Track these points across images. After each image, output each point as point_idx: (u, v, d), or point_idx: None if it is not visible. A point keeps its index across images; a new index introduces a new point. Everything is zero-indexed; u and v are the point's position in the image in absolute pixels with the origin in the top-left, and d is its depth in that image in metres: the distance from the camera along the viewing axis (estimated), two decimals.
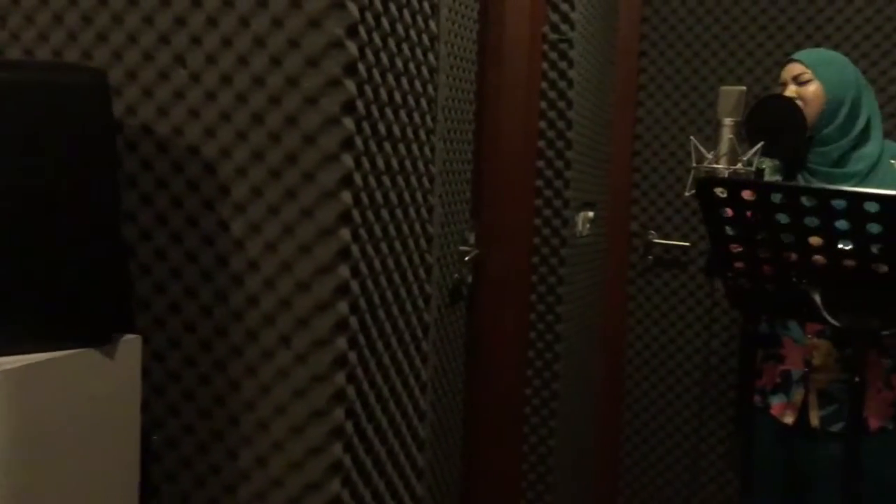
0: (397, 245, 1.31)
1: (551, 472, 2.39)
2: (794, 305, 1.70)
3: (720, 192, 1.61)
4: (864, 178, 2.04)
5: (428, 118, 1.40)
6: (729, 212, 1.61)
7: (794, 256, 1.61)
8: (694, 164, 1.90)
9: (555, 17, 2.28)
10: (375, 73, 1.19)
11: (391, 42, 1.24)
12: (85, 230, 0.98)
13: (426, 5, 1.36)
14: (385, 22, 1.21)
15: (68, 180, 0.96)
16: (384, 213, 1.25)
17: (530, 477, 2.39)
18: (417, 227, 1.39)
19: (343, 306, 1.11)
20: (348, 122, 1.09)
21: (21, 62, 1.18)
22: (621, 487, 3.08)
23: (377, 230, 1.23)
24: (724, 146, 1.88)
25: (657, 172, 2.97)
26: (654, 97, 2.96)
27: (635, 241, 3.01)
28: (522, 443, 2.38)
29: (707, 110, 2.86)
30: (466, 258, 2.15)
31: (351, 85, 1.09)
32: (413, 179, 1.36)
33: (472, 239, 2.19)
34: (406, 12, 1.28)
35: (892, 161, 2.06)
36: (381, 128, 1.22)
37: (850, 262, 1.55)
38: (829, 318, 1.59)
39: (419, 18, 1.34)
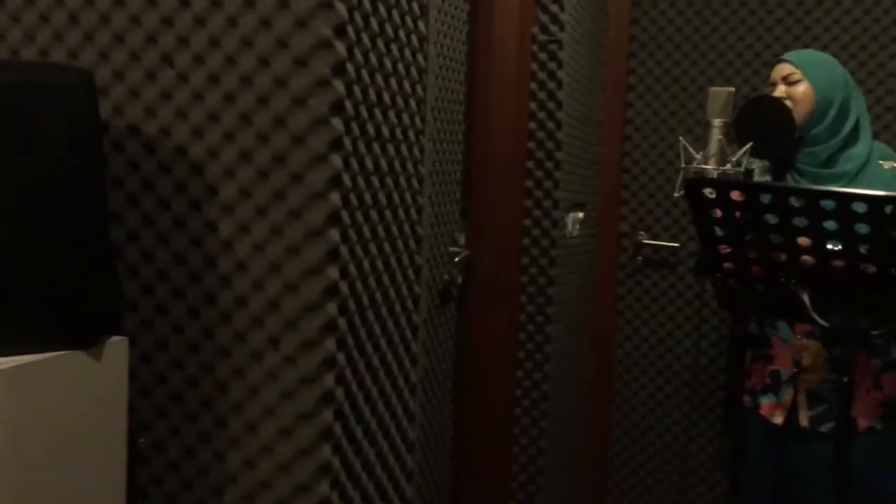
0: (386, 246, 1.31)
1: (542, 472, 2.39)
2: (782, 306, 1.70)
3: (709, 192, 1.61)
4: (852, 179, 2.05)
5: (417, 119, 1.40)
6: (718, 212, 1.62)
7: (782, 257, 1.61)
8: (683, 165, 1.90)
9: (544, 19, 2.28)
10: (364, 73, 1.18)
11: (380, 42, 1.23)
12: (71, 231, 0.97)
13: (415, 6, 1.36)
14: (374, 22, 1.20)
15: (54, 181, 0.96)
16: (373, 214, 1.25)
17: (521, 478, 2.39)
18: (406, 228, 1.39)
19: (332, 308, 1.11)
20: (337, 123, 1.09)
21: (6, 62, 1.17)
22: (611, 488, 3.08)
23: (366, 231, 1.23)
24: (713, 147, 1.88)
25: (647, 173, 2.98)
26: (644, 98, 2.97)
27: (625, 241, 3.01)
28: (513, 444, 2.38)
29: (696, 111, 2.87)
30: (456, 259, 2.15)
31: (339, 85, 1.08)
32: (402, 180, 1.36)
33: (461, 240, 2.19)
34: (395, 13, 1.28)
35: (881, 162, 2.07)
36: (370, 128, 1.22)
37: (838, 263, 1.56)
38: (817, 318, 1.60)
39: (408, 19, 1.34)
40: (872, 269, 1.53)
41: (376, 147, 1.25)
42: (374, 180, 1.25)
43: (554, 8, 2.27)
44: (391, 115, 1.30)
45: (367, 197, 1.22)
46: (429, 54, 1.43)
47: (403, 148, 1.36)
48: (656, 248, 2.99)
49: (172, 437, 1.19)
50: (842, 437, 1.65)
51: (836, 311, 1.59)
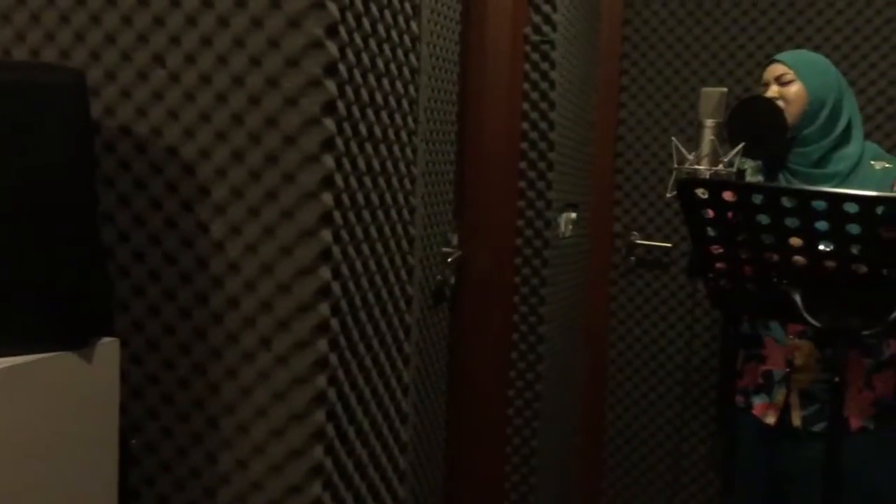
0: (379, 247, 1.31)
1: (535, 472, 2.39)
2: (775, 306, 1.71)
3: (701, 193, 1.61)
4: (844, 179, 2.05)
5: (409, 119, 1.40)
6: (710, 213, 1.62)
7: (774, 257, 1.61)
8: (675, 166, 1.91)
9: (537, 19, 2.28)
10: (356, 73, 1.18)
11: (372, 43, 1.23)
12: (62, 232, 0.97)
13: (408, 6, 1.36)
14: (366, 22, 1.20)
15: (45, 181, 0.95)
16: (365, 215, 1.25)
17: (514, 478, 2.39)
18: (399, 228, 1.39)
19: (324, 308, 1.11)
20: (329, 123, 1.08)
21: None
22: (604, 488, 3.09)
23: (358, 232, 1.22)
24: (705, 147, 1.89)
25: (639, 174, 2.98)
26: (637, 98, 2.97)
27: (618, 242, 3.02)
28: (506, 444, 2.38)
29: (689, 112, 2.88)
30: (449, 259, 2.15)
31: (331, 85, 1.08)
32: (394, 181, 1.36)
33: (454, 240, 2.19)
34: (387, 13, 1.28)
35: (872, 162, 2.08)
36: (363, 129, 1.21)
37: (830, 263, 1.56)
38: (809, 318, 1.60)
39: (400, 19, 1.34)
40: (864, 269, 1.54)
41: (368, 147, 1.25)
42: (367, 181, 1.25)
43: (546, 8, 2.27)
44: (383, 115, 1.29)
45: (360, 197, 1.22)
46: (421, 54, 1.43)
47: (396, 148, 1.35)
48: (649, 249, 2.99)
49: (164, 438, 1.19)
50: (833, 437, 1.65)
51: (828, 312, 1.60)
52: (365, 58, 1.21)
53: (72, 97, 0.98)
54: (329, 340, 1.12)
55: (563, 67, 2.38)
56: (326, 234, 1.10)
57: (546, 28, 2.28)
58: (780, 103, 2.05)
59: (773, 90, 2.10)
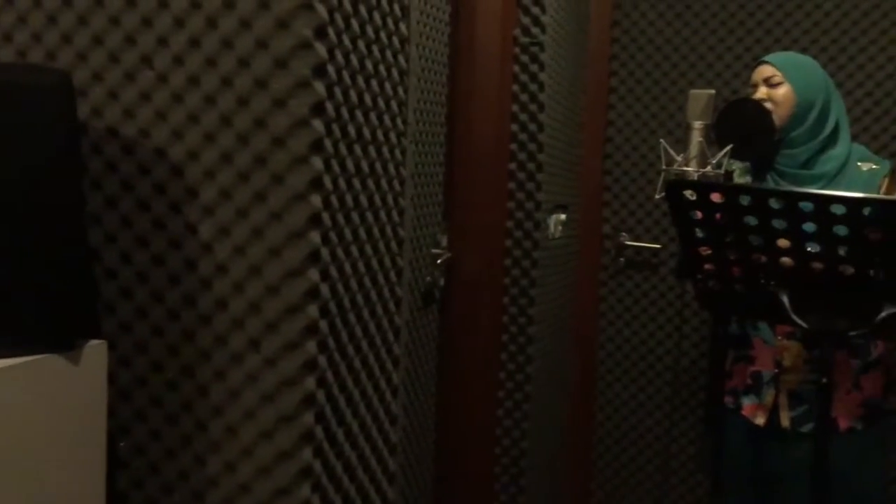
0: (368, 248, 1.31)
1: (524, 474, 2.39)
2: (763, 307, 1.71)
3: (689, 194, 1.62)
4: (831, 180, 2.06)
5: (399, 120, 1.40)
6: (698, 214, 1.62)
7: (762, 258, 1.62)
8: (664, 167, 1.91)
9: (526, 21, 2.28)
10: (345, 74, 1.18)
11: (361, 44, 1.23)
12: (49, 234, 0.96)
13: (396, 7, 1.36)
14: (354, 23, 1.20)
15: (32, 183, 0.95)
16: (354, 216, 1.25)
17: (503, 479, 2.39)
18: (388, 229, 1.39)
19: (313, 310, 1.10)
20: (318, 125, 1.08)
21: None
22: (594, 489, 3.09)
23: (347, 233, 1.22)
24: (693, 149, 1.90)
25: (628, 175, 2.99)
26: (625, 100, 2.98)
27: (607, 243, 3.02)
28: (495, 445, 2.38)
29: (677, 113, 2.89)
30: (439, 261, 2.15)
31: (320, 87, 1.08)
32: (384, 182, 1.35)
33: (444, 241, 2.19)
34: (376, 14, 1.28)
35: (859, 163, 2.09)
36: (351, 130, 1.21)
37: (817, 264, 1.57)
38: (797, 319, 1.61)
39: (389, 20, 1.34)
40: (851, 270, 1.54)
41: (357, 149, 1.24)
42: (356, 182, 1.24)
43: (535, 10, 2.28)
44: (372, 116, 1.29)
45: (349, 199, 1.22)
46: (410, 56, 1.43)
47: (385, 150, 1.35)
48: (638, 250, 3.00)
49: (152, 441, 1.18)
50: (821, 438, 1.66)
51: (816, 313, 1.60)
52: (354, 59, 1.21)
53: (58, 98, 0.98)
54: (318, 342, 1.12)
55: (553, 69, 2.38)
56: (315, 236, 1.09)
57: (535, 30, 2.28)
58: (769, 105, 2.06)
59: (761, 92, 2.10)
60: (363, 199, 1.27)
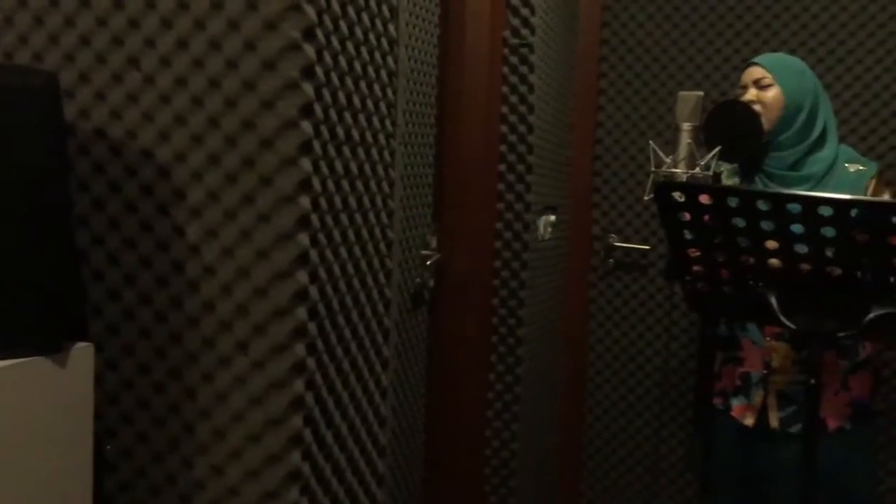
0: (357, 250, 1.30)
1: (514, 475, 2.39)
2: (751, 308, 1.72)
3: (678, 196, 1.62)
4: (818, 182, 2.07)
5: (388, 122, 1.40)
6: (687, 216, 1.63)
7: (750, 260, 1.62)
8: (653, 169, 1.92)
9: (515, 22, 2.28)
10: (334, 76, 1.18)
11: (349, 45, 1.23)
12: (35, 236, 0.96)
13: (385, 9, 1.36)
14: (343, 25, 1.20)
15: (18, 185, 0.94)
16: (343, 218, 1.25)
17: (493, 481, 2.39)
18: (377, 231, 1.39)
19: (301, 312, 1.10)
20: (306, 126, 1.08)
21: None
22: (583, 490, 3.09)
23: (336, 235, 1.22)
24: (682, 150, 1.90)
25: (618, 176, 3.00)
26: (615, 102, 2.98)
27: (596, 244, 3.03)
28: (485, 446, 2.38)
29: (666, 115, 2.89)
30: (428, 262, 2.14)
31: (308, 88, 1.08)
32: (372, 184, 1.35)
33: (433, 243, 2.19)
34: (365, 15, 1.28)
35: (846, 164, 2.10)
36: (340, 132, 1.21)
37: (805, 266, 1.57)
38: (785, 321, 1.61)
39: (378, 22, 1.34)
40: (838, 271, 1.55)
41: (346, 150, 1.24)
42: (345, 184, 1.24)
43: (525, 12, 2.28)
44: (361, 118, 1.29)
45: (337, 200, 1.22)
46: (399, 57, 1.43)
47: (374, 151, 1.35)
48: (627, 251, 3.00)
49: (139, 444, 1.18)
50: (809, 439, 1.66)
51: (804, 314, 1.61)
52: (342, 61, 1.20)
53: (45, 99, 0.97)
54: (306, 344, 1.11)
55: (542, 70, 2.38)
56: (304, 238, 1.09)
57: (524, 31, 2.29)
58: (757, 107, 2.06)
59: (751, 93, 2.11)
60: (352, 201, 1.27)
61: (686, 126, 1.91)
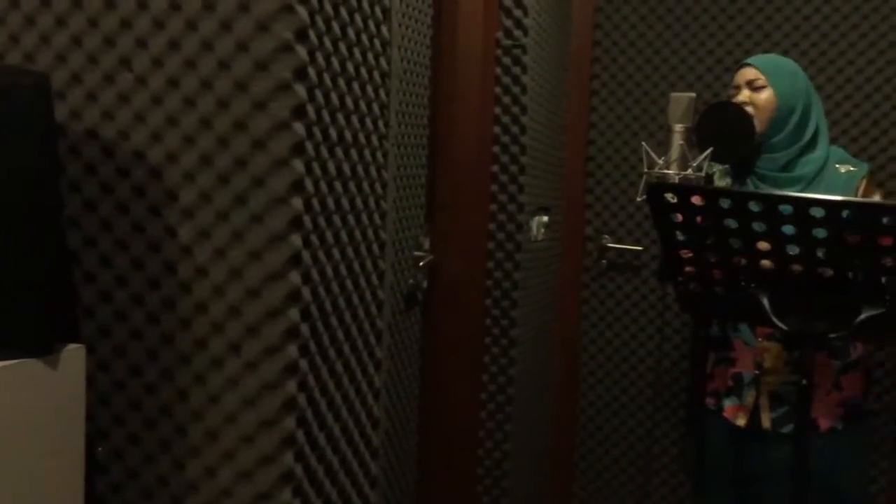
0: (349, 251, 1.30)
1: (507, 476, 2.39)
2: (743, 309, 1.72)
3: (670, 197, 1.62)
4: (810, 182, 2.08)
5: (380, 123, 1.40)
6: (679, 217, 1.63)
7: (742, 261, 1.63)
8: (645, 170, 1.92)
9: (508, 23, 2.29)
10: (326, 77, 1.18)
11: (342, 46, 1.23)
12: (27, 237, 0.95)
13: (378, 10, 1.36)
14: (336, 26, 1.20)
15: (10, 186, 0.94)
16: (336, 219, 1.24)
17: (486, 482, 2.39)
18: (370, 232, 1.38)
19: (294, 313, 1.10)
20: (298, 127, 1.08)
21: None
22: (576, 490, 3.10)
23: (329, 236, 1.22)
24: (674, 152, 1.90)
25: (610, 177, 3.00)
26: (607, 103, 2.99)
27: (589, 245, 3.03)
28: (478, 447, 2.38)
29: (659, 116, 2.90)
30: (421, 263, 2.14)
31: (301, 89, 1.08)
32: (365, 185, 1.35)
33: (426, 244, 2.19)
34: (357, 17, 1.28)
35: (837, 165, 2.11)
36: (333, 133, 1.21)
37: (796, 267, 1.58)
38: (777, 321, 1.62)
39: (371, 23, 1.34)
40: (830, 272, 1.56)
41: (339, 152, 1.24)
42: (337, 185, 1.24)
43: (518, 13, 2.28)
44: (354, 119, 1.29)
45: (330, 202, 1.22)
46: (392, 58, 1.43)
47: (366, 152, 1.35)
48: (620, 252, 3.01)
49: (131, 446, 1.17)
50: (800, 440, 1.67)
51: (796, 315, 1.61)
52: (335, 62, 1.20)
53: (36, 100, 0.97)
54: (299, 346, 1.11)
55: (535, 72, 2.39)
56: (296, 239, 1.09)
57: (517, 32, 2.29)
58: (750, 109, 2.07)
59: (744, 94, 2.12)
60: (345, 202, 1.27)
61: (678, 127, 1.92)
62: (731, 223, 1.58)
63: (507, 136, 2.32)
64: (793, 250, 1.56)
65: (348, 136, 1.27)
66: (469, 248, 2.30)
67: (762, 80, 2.10)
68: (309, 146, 1.12)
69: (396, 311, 2.02)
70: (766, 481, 2.16)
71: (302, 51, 1.07)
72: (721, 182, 2.20)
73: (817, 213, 1.48)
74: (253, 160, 1.08)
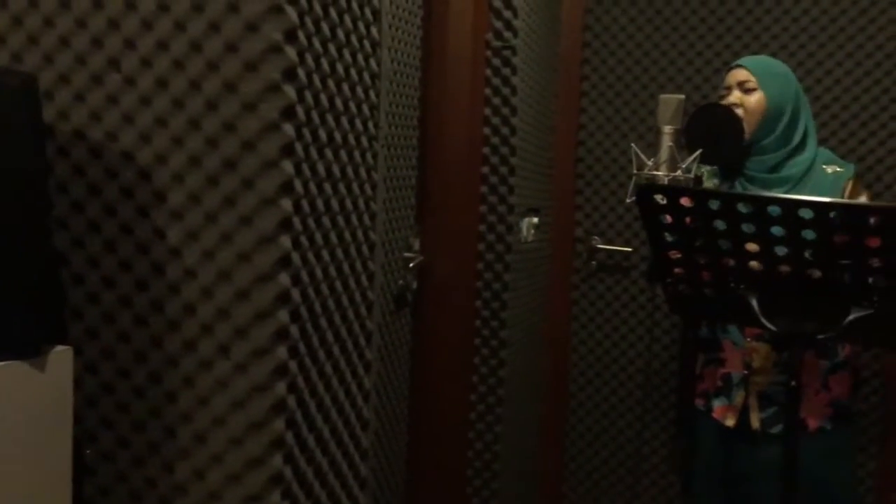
0: (339, 252, 1.30)
1: (497, 477, 2.39)
2: (732, 310, 1.73)
3: (660, 198, 1.63)
4: (797, 183, 2.09)
5: (370, 124, 1.40)
6: (668, 218, 1.64)
7: (731, 262, 1.63)
8: (635, 171, 1.92)
9: (498, 25, 2.29)
10: (316, 78, 1.18)
11: (332, 47, 1.23)
12: (14, 238, 0.95)
13: (368, 11, 1.36)
14: (325, 27, 1.20)
15: None
16: (325, 220, 1.24)
17: (476, 483, 2.39)
18: (360, 234, 1.38)
19: (283, 315, 1.10)
20: (288, 129, 1.08)
21: None
22: (566, 491, 3.10)
23: (318, 237, 1.22)
24: (663, 153, 1.91)
25: (600, 179, 3.01)
26: (597, 104, 2.99)
27: (579, 246, 3.04)
28: (468, 448, 2.38)
29: (648, 117, 2.91)
30: (411, 264, 2.14)
31: (290, 90, 1.07)
32: (355, 186, 1.35)
33: (416, 245, 2.19)
34: (347, 17, 1.27)
35: (824, 166, 2.12)
36: (322, 134, 1.21)
37: (785, 268, 1.58)
38: (766, 322, 1.62)
39: (360, 24, 1.33)
40: (818, 274, 1.56)
41: (329, 153, 1.24)
42: (327, 186, 1.24)
43: (507, 14, 2.28)
44: (344, 120, 1.29)
45: (320, 203, 1.21)
46: (382, 59, 1.43)
47: (356, 154, 1.35)
48: (610, 253, 3.01)
49: (119, 448, 1.17)
50: (789, 441, 1.67)
51: (784, 316, 1.62)
52: (325, 63, 1.20)
53: (24, 101, 0.96)
54: (288, 347, 1.11)
55: (524, 73, 2.39)
56: (286, 241, 1.09)
57: (507, 34, 2.29)
58: (740, 111, 2.08)
59: (734, 96, 2.12)
60: (334, 203, 1.27)
61: (667, 129, 1.92)
62: (720, 224, 1.58)
63: (496, 138, 2.32)
64: (781, 251, 1.56)
65: (338, 137, 1.27)
66: (459, 249, 2.30)
67: (753, 83, 2.10)
68: (298, 147, 1.12)
69: (386, 312, 2.02)
70: (755, 481, 2.16)
71: (291, 52, 1.07)
72: (709, 183, 2.21)
73: (806, 214, 1.49)
74: (242, 161, 1.08)
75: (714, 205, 1.56)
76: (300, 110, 1.12)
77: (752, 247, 1.59)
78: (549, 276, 2.94)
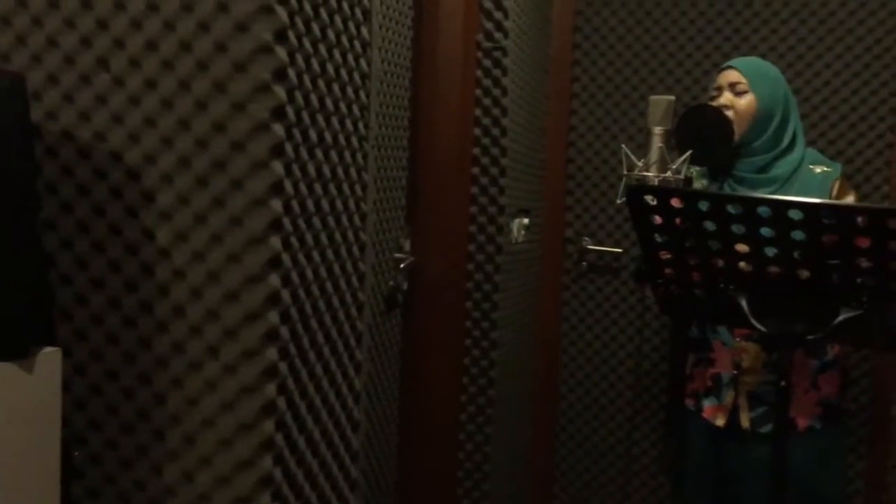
0: (329, 253, 1.30)
1: (487, 478, 2.39)
2: (722, 311, 1.73)
3: (650, 199, 1.63)
4: (784, 183, 2.10)
5: (360, 125, 1.39)
6: (658, 219, 1.64)
7: (721, 263, 1.64)
8: (625, 172, 1.93)
9: (489, 26, 2.29)
10: (306, 78, 1.17)
11: (322, 48, 1.22)
12: (2, 239, 0.94)
13: (358, 11, 1.35)
14: (315, 27, 1.19)
15: None
16: (316, 221, 1.24)
17: (466, 484, 2.39)
18: (350, 234, 1.38)
19: (273, 316, 1.09)
20: (278, 129, 1.07)
21: None
22: (556, 492, 3.10)
23: (308, 238, 1.21)
24: (653, 154, 1.91)
25: (590, 180, 3.01)
26: (587, 105, 3.00)
27: (569, 247, 3.04)
28: (458, 449, 2.38)
29: (638, 119, 2.91)
30: (402, 265, 2.14)
31: (280, 91, 1.07)
32: (345, 187, 1.35)
33: (407, 246, 2.19)
34: (337, 18, 1.27)
35: (811, 166, 2.13)
36: (313, 134, 1.20)
37: (774, 269, 1.59)
38: (755, 323, 1.63)
39: (351, 24, 1.33)
40: (807, 274, 1.57)
41: (319, 153, 1.24)
42: (317, 187, 1.24)
43: (498, 15, 2.28)
44: (334, 120, 1.29)
45: (310, 204, 1.21)
46: (372, 60, 1.43)
47: (347, 154, 1.35)
48: (600, 254, 3.02)
49: (108, 450, 1.16)
50: (779, 440, 1.68)
51: (774, 317, 1.62)
52: (315, 63, 1.20)
53: (12, 101, 0.96)
54: (278, 349, 1.11)
55: (515, 74, 2.39)
56: (275, 241, 1.08)
57: (498, 35, 2.29)
58: (730, 113, 2.08)
59: (725, 97, 2.13)
60: (324, 204, 1.26)
61: (657, 130, 1.93)
62: (710, 225, 1.58)
63: (487, 139, 2.32)
64: (771, 252, 1.57)
65: (328, 137, 1.26)
66: (449, 250, 2.30)
67: (744, 84, 2.11)
68: (288, 148, 1.11)
69: (377, 312, 2.01)
70: (745, 481, 2.17)
71: (281, 52, 1.06)
72: (698, 184, 2.22)
73: (795, 215, 1.49)
74: (232, 162, 1.08)
75: (704, 206, 1.56)
76: (290, 111, 1.11)
77: (741, 247, 1.59)
78: (539, 277, 2.95)
